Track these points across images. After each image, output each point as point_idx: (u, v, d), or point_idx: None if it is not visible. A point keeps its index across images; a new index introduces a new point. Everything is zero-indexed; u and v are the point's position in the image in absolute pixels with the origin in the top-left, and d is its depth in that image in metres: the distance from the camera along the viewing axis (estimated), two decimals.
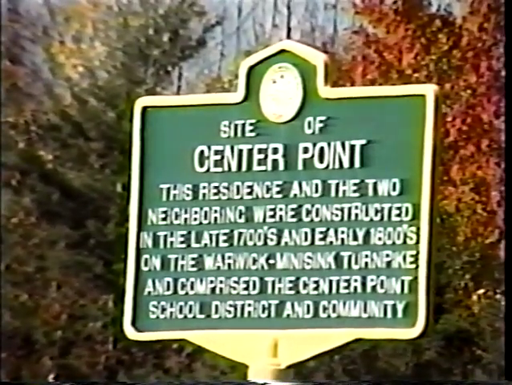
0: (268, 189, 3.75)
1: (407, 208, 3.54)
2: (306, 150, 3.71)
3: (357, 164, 3.64)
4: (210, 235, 3.80)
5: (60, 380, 21.74)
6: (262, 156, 3.78)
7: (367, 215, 3.59)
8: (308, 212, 3.68)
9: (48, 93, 24.01)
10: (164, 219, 3.87)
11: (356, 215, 3.61)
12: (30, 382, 22.79)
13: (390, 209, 3.57)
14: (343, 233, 3.62)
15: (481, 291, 19.84)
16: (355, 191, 3.62)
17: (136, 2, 24.59)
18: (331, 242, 3.63)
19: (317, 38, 27.61)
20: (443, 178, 18.06)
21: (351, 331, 3.58)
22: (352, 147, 3.64)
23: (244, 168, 3.81)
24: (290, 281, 3.67)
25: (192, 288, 3.79)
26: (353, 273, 3.58)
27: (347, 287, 3.59)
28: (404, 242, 3.54)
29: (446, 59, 19.55)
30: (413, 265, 3.51)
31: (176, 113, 3.99)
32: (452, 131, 19.11)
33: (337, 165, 3.67)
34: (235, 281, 3.74)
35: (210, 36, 26.13)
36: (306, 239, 3.67)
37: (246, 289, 3.72)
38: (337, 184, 3.65)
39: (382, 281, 3.53)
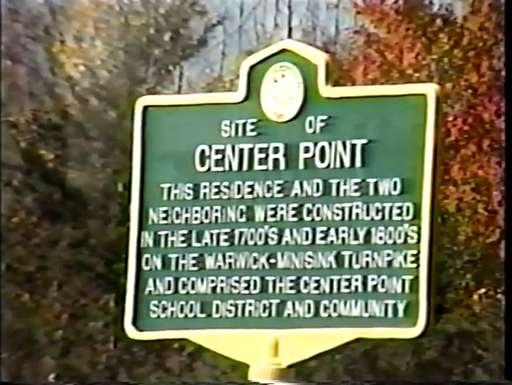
0: (269, 189, 3.75)
1: (408, 208, 3.55)
2: (307, 149, 3.71)
3: (358, 163, 3.64)
4: (211, 234, 3.80)
5: (61, 380, 21.72)
6: (262, 156, 3.78)
7: (368, 214, 3.59)
8: (309, 212, 3.68)
9: (49, 92, 24.00)
10: (165, 218, 3.87)
11: (357, 214, 3.61)
12: (30, 382, 22.80)
13: (391, 209, 3.57)
14: (343, 232, 3.62)
15: (482, 291, 19.83)
16: (356, 190, 3.62)
17: (138, 2, 24.59)
18: (332, 241, 3.63)
19: (318, 38, 27.61)
20: (444, 177, 18.04)
21: (352, 331, 3.58)
22: (353, 147, 3.65)
23: (245, 167, 3.81)
24: (291, 281, 3.67)
25: (193, 287, 3.79)
26: (354, 272, 3.58)
27: (348, 286, 3.59)
28: (405, 242, 3.54)
29: (447, 59, 19.54)
30: (414, 265, 3.51)
31: (177, 112, 4.00)
32: (453, 131, 19.10)
33: (338, 165, 3.67)
34: (236, 281, 3.74)
35: (211, 35, 26.14)
36: (307, 238, 3.67)
37: (247, 288, 3.72)
38: (338, 184, 3.66)
39: (383, 281, 3.53)
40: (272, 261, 3.70)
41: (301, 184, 3.71)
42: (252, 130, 3.81)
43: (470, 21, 19.08)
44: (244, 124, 3.82)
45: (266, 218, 3.74)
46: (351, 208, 3.62)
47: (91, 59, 23.94)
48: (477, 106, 19.58)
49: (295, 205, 3.70)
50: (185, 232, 3.83)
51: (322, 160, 3.70)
